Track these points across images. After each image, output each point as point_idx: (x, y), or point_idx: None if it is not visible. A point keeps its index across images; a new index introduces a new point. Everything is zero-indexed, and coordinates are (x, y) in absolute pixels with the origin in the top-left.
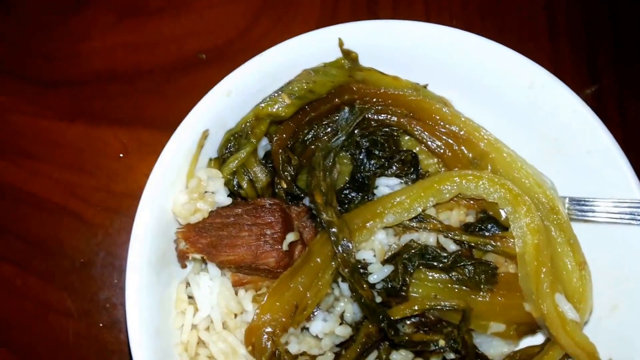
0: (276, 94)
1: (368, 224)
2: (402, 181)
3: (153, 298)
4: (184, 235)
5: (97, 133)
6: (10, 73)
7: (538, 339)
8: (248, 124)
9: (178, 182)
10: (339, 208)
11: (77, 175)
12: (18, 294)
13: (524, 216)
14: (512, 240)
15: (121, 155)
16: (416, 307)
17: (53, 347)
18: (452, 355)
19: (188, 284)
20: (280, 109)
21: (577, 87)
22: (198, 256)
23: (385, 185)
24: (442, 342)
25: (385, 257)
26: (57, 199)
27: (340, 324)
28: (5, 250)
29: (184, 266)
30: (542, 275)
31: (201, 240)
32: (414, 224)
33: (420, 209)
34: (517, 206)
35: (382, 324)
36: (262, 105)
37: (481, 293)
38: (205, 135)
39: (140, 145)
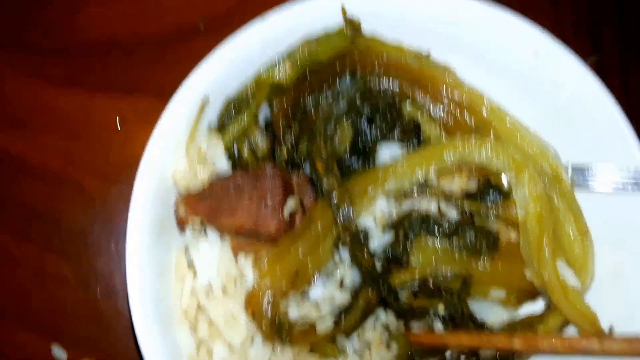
0: (277, 61)
1: (369, 191)
2: (404, 149)
3: (153, 264)
4: (183, 201)
5: (94, 102)
6: (7, 42)
7: (538, 306)
8: (249, 90)
9: (178, 148)
10: (339, 175)
11: (75, 145)
12: (15, 263)
13: (527, 183)
14: (514, 207)
15: (119, 124)
16: (417, 274)
17: (50, 315)
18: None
19: (187, 251)
20: (281, 76)
21: (579, 55)
22: (198, 221)
23: (387, 153)
24: (441, 309)
25: (386, 224)
26: (54, 168)
27: (340, 290)
28: (2, 219)
29: (183, 232)
30: (544, 243)
31: (201, 207)
32: (416, 191)
33: (422, 176)
34: (520, 173)
35: (382, 291)
36: (263, 72)
37: (482, 260)
38: (205, 101)
39: (139, 115)
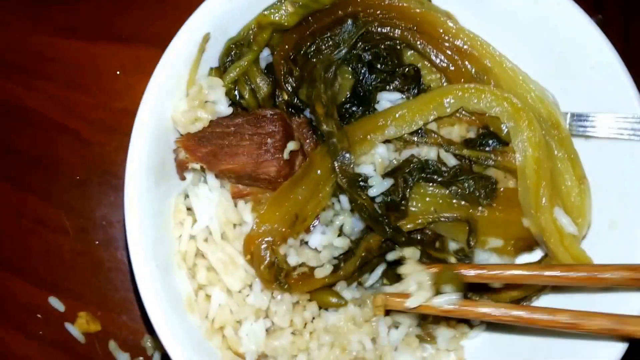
0: (279, 2)
1: (369, 137)
2: (404, 96)
3: (152, 208)
4: (183, 144)
5: (94, 49)
6: None
7: (535, 256)
8: (250, 32)
9: (178, 89)
10: (340, 121)
11: (74, 92)
12: (14, 211)
13: (526, 130)
14: (513, 154)
15: (119, 72)
16: (419, 221)
17: (49, 264)
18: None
19: (186, 196)
20: (283, 17)
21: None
22: (197, 166)
23: (387, 99)
24: (452, 260)
25: (386, 171)
26: (53, 116)
27: (339, 236)
28: (1, 167)
29: (182, 178)
30: (542, 189)
31: (201, 149)
32: (415, 138)
33: (421, 123)
34: (519, 120)
35: (388, 232)
36: (265, 12)
37: (480, 208)
38: (206, 39)
39: (139, 63)
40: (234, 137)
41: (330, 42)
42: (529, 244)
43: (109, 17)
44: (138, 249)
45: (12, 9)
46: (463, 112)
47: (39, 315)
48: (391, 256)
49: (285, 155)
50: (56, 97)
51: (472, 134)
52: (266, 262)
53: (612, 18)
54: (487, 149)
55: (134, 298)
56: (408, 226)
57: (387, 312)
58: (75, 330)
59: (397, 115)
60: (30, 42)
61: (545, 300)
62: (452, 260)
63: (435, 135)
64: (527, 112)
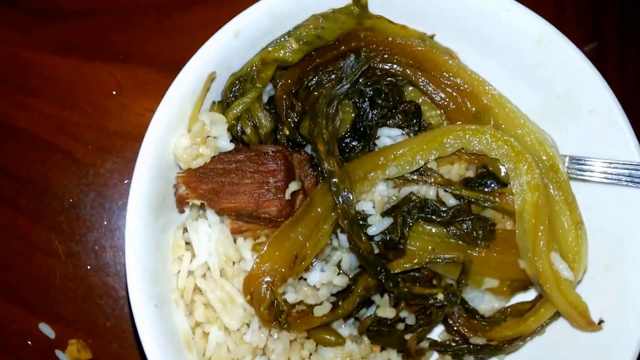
0: (284, 39)
1: (369, 175)
2: (404, 132)
3: (151, 242)
4: (184, 179)
5: (90, 68)
6: (3, 2)
7: (530, 296)
8: (254, 67)
9: (181, 124)
10: (339, 157)
11: (68, 112)
12: (5, 233)
13: (525, 173)
14: (511, 196)
15: (114, 92)
16: (416, 261)
17: (39, 288)
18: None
19: (185, 230)
20: (287, 54)
21: (578, 43)
22: (198, 202)
23: (387, 135)
24: (440, 296)
25: (385, 209)
26: (46, 136)
27: (338, 274)
28: None
29: (181, 211)
30: (540, 233)
31: (202, 186)
32: (415, 177)
33: (422, 162)
34: (519, 163)
35: (380, 277)
36: (270, 49)
37: (477, 248)
38: (211, 77)
39: (135, 84)
40: (236, 175)
41: (333, 76)
42: (525, 284)
43: (106, 36)
44: (136, 285)
45: (7, 24)
46: (462, 150)
47: (29, 342)
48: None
49: (287, 196)
50: (49, 116)
51: (470, 173)
52: (266, 302)
53: (608, 46)
54: (486, 189)
55: (125, 326)
56: (405, 265)
57: (383, 348)
58: (66, 358)
59: (398, 153)
60: (24, 59)
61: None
62: (440, 296)
63: (435, 174)
64: (527, 155)
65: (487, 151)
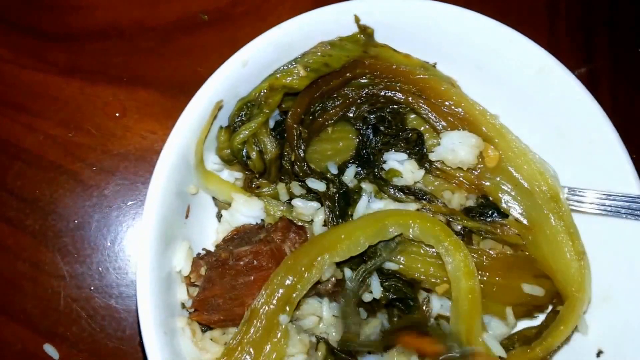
0: (291, 65)
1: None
2: (409, 157)
3: (161, 272)
4: (198, 318)
5: (95, 90)
6: (10, 24)
7: (537, 322)
8: (262, 93)
9: (188, 154)
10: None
11: (74, 133)
12: (10, 253)
13: (460, 260)
14: (512, 228)
15: (118, 114)
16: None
17: (43, 309)
18: None
19: None
20: (295, 80)
21: (572, 68)
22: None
23: (394, 159)
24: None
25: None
26: (52, 157)
27: None
28: None
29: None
30: (475, 319)
31: (212, 318)
32: (418, 205)
33: (362, 246)
34: (455, 252)
35: None
36: (278, 75)
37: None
38: (219, 106)
39: (139, 106)
40: (240, 290)
41: (338, 103)
42: (529, 310)
43: (110, 59)
44: (149, 319)
45: (13, 45)
46: (461, 179)
47: None
48: None
49: None
50: (55, 137)
51: (471, 202)
52: None
53: (601, 69)
54: (487, 219)
55: (128, 347)
56: None
57: None
58: None
59: (336, 241)
60: (30, 80)
61: None
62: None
63: (440, 204)
64: (459, 242)
65: (424, 239)
